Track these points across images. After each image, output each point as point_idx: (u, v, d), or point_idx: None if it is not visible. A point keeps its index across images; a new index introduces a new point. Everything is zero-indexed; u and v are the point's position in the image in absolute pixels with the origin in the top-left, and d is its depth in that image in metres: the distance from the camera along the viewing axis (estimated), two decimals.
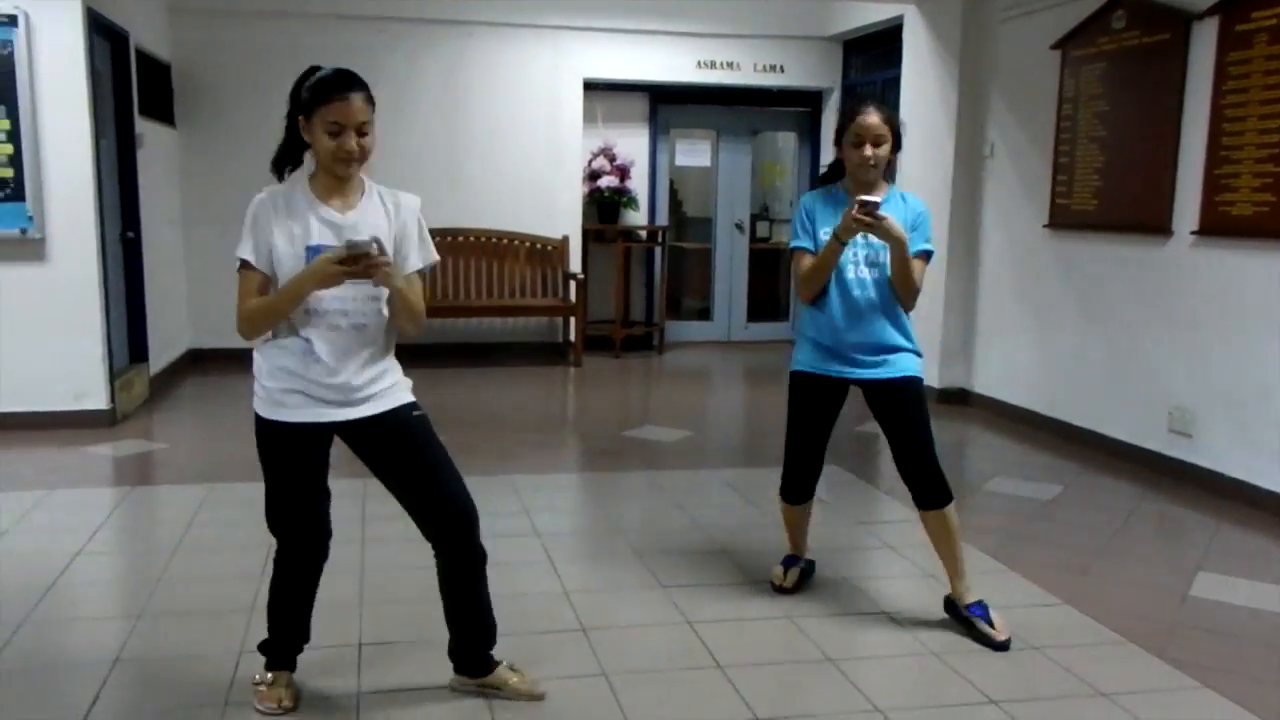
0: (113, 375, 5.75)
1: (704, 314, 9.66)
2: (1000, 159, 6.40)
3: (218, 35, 7.63)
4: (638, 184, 8.81)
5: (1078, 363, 5.72)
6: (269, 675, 2.68)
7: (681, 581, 3.53)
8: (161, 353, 6.89)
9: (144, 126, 6.63)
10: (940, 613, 3.24)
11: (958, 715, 2.68)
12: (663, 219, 9.15)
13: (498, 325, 8.41)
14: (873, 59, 8.37)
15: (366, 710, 2.64)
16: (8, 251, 5.43)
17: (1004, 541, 4.02)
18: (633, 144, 8.84)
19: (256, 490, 2.64)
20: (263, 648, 2.71)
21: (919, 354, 3.25)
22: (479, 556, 2.63)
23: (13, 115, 5.33)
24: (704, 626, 3.16)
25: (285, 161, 2.57)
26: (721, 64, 8.66)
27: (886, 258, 3.08)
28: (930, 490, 3.16)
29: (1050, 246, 5.95)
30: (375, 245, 2.32)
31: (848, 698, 2.75)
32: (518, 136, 8.23)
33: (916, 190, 6.48)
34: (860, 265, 3.13)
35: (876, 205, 2.91)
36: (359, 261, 2.30)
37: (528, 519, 4.18)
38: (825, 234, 3.11)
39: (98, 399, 5.65)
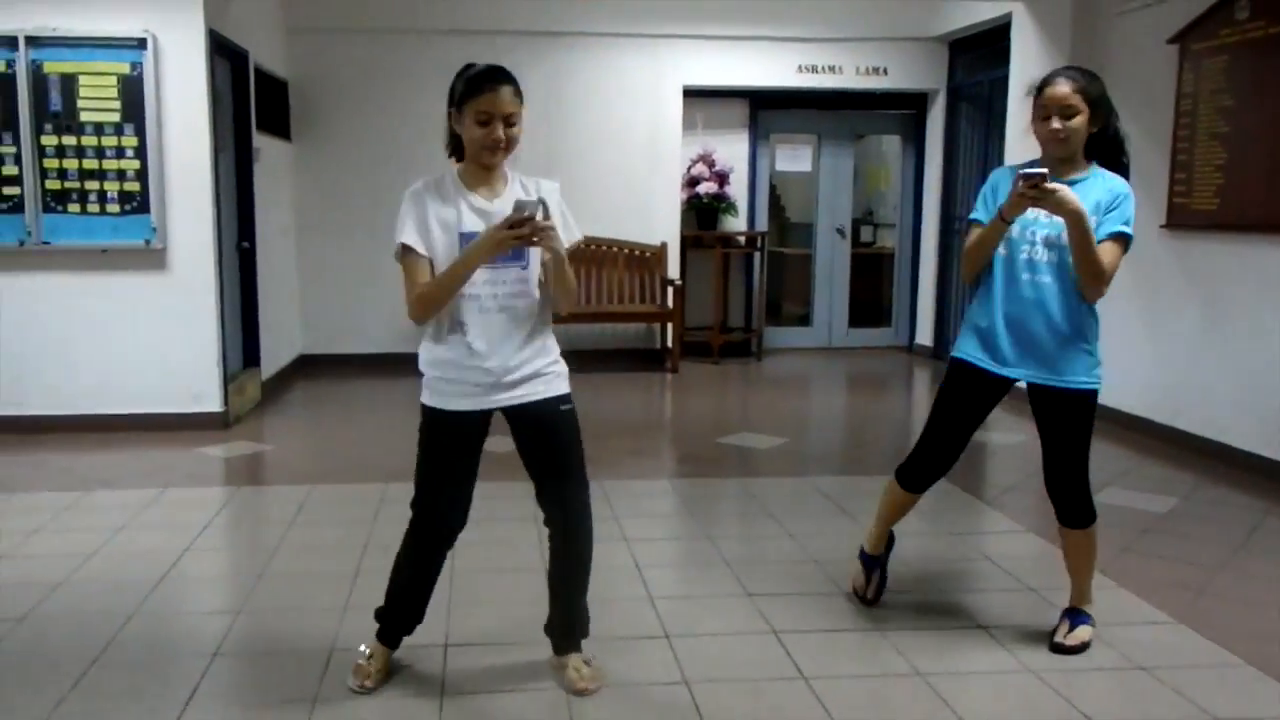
0: (227, 379, 5.98)
1: (804, 320, 9.54)
2: None
3: (332, 52, 7.93)
4: (737, 190, 8.76)
5: (1197, 368, 5.43)
6: (371, 647, 2.80)
7: (770, 590, 3.47)
8: (273, 358, 7.15)
9: (261, 141, 6.90)
10: (1041, 629, 3.11)
11: None
12: (762, 224, 9.07)
13: (596, 331, 8.46)
14: (980, 59, 8.14)
15: (449, 707, 2.66)
16: (132, 261, 5.71)
17: (1115, 556, 3.82)
18: (732, 150, 8.81)
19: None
20: (378, 615, 2.82)
21: (1096, 358, 2.95)
22: (582, 561, 2.76)
23: (140, 132, 5.61)
24: (790, 636, 3.10)
25: (455, 149, 2.69)
26: (823, 68, 8.55)
27: (1067, 240, 2.78)
28: (1074, 509, 3.01)
29: (1168, 247, 5.67)
30: (542, 208, 2.43)
31: (937, 714, 2.65)
32: (618, 144, 8.28)
33: None
34: (1036, 246, 2.84)
35: (1044, 176, 2.65)
36: (525, 224, 2.39)
37: (617, 525, 4.17)
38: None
39: (212, 402, 5.88)
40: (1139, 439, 5.72)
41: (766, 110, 8.96)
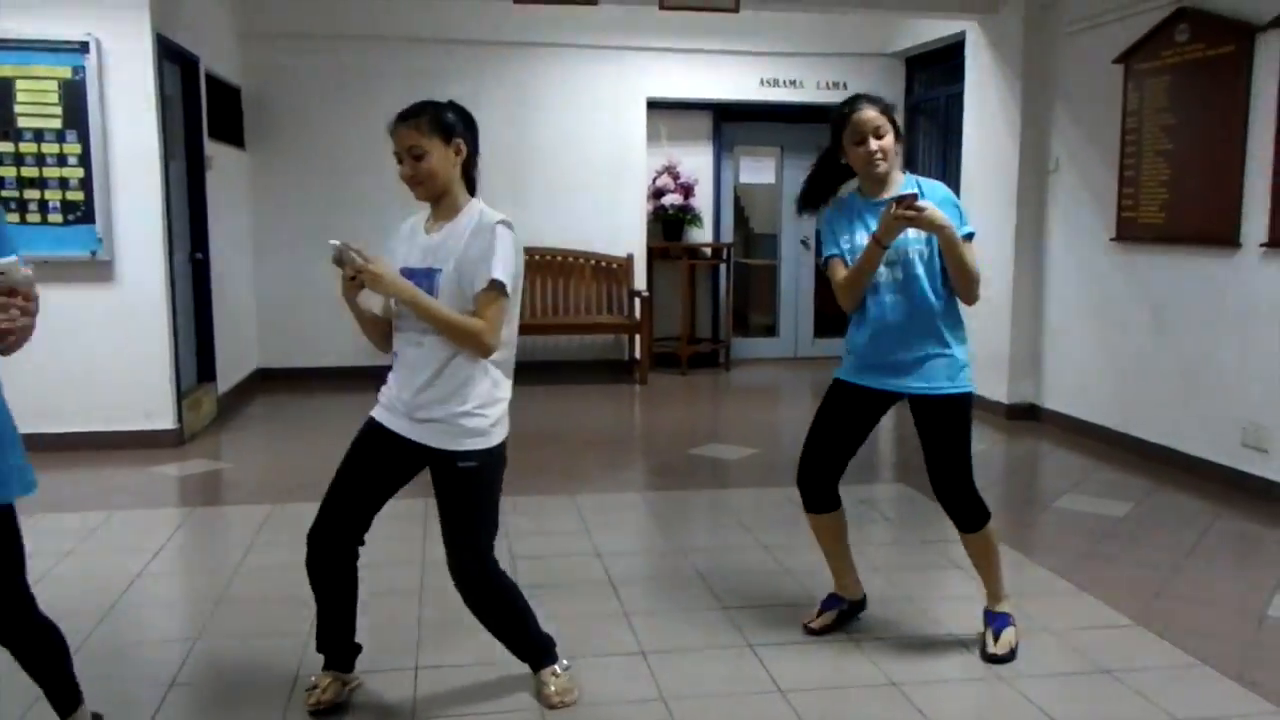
0: (180, 395, 5.83)
1: (770, 330, 9.65)
2: (1065, 173, 6.31)
3: (287, 59, 7.82)
4: (702, 202, 8.86)
5: (1148, 377, 5.60)
6: (316, 678, 2.79)
7: (743, 603, 3.54)
8: (230, 372, 7.01)
9: (213, 149, 6.77)
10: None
11: None
12: (728, 236, 9.17)
13: (563, 343, 8.50)
14: (936, 75, 8.32)
15: None
16: (78, 273, 5.51)
17: (1074, 561, 3.95)
18: (697, 162, 8.90)
19: (312, 512, 2.69)
20: (318, 643, 2.80)
21: (963, 362, 3.02)
22: (483, 615, 2.75)
23: (84, 139, 5.45)
24: (765, 649, 3.17)
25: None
26: (785, 82, 8.68)
27: (912, 255, 2.93)
28: (965, 512, 3.08)
29: (1118, 260, 5.84)
30: (348, 250, 2.49)
31: None
32: (582, 156, 8.34)
33: (981, 205, 6.49)
34: (880, 269, 2.94)
35: (915, 197, 2.78)
36: (344, 267, 2.49)
37: (589, 539, 4.22)
38: (845, 242, 3.00)
39: (165, 418, 5.72)
40: (1094, 445, 5.89)
41: (730, 123, 9.07)
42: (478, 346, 2.54)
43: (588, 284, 8.45)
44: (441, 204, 2.65)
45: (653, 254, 8.65)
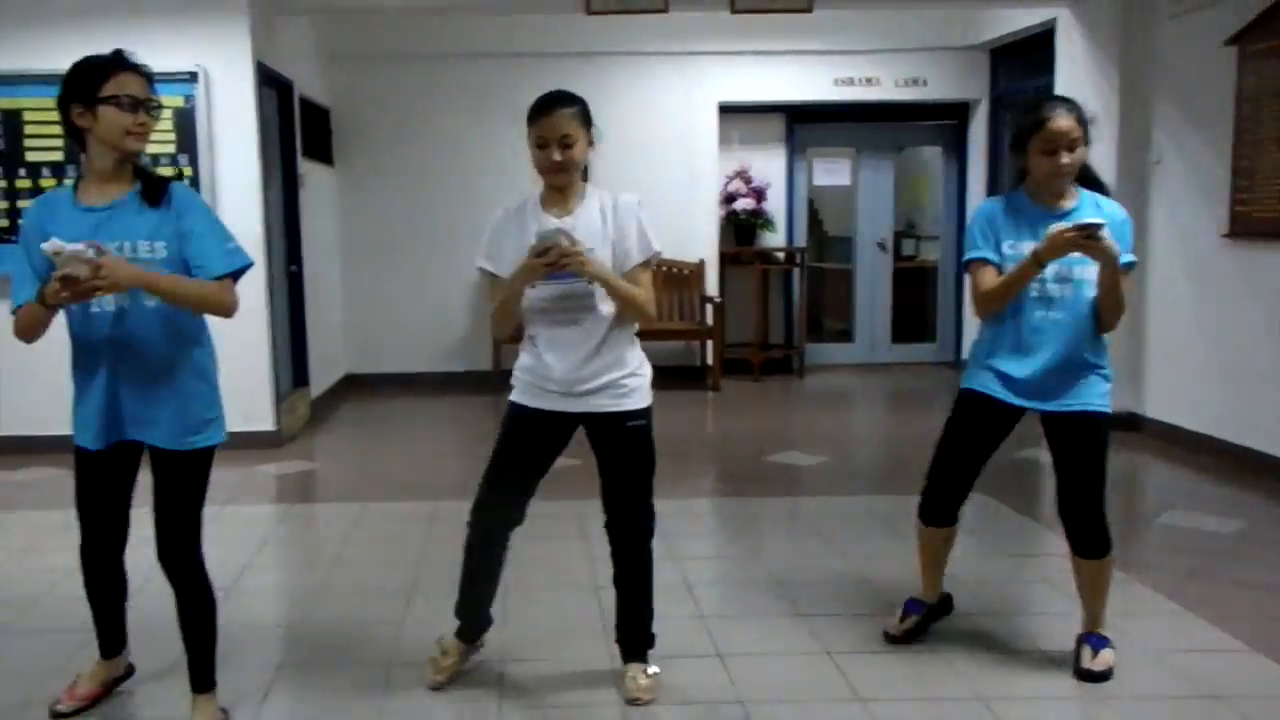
0: (278, 399, 6.08)
1: (845, 335, 9.44)
2: (1170, 166, 6.00)
3: (371, 79, 8.07)
4: (774, 205, 8.71)
5: (1265, 383, 5.24)
6: (446, 644, 2.92)
7: (821, 610, 3.41)
8: (321, 378, 7.26)
9: (306, 167, 7.03)
10: None
11: None
12: (801, 240, 9.01)
13: None
14: (1023, 67, 8.03)
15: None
16: None
17: (1179, 580, 3.70)
18: (769, 165, 8.76)
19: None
20: (455, 611, 2.92)
21: (1108, 381, 2.89)
22: (638, 572, 2.85)
23: (194, 161, 5.74)
24: (844, 657, 3.03)
25: None
26: (860, 80, 8.49)
27: (1081, 274, 2.77)
28: (1089, 539, 2.89)
29: (1231, 257, 5.51)
30: (563, 237, 2.50)
31: None
32: (653, 163, 8.25)
33: None
34: (1046, 282, 2.79)
35: (1098, 227, 2.61)
36: (549, 252, 2.48)
37: (664, 542, 4.08)
38: (1010, 247, 2.83)
39: (265, 421, 5.96)
40: (1201, 458, 5.55)
41: (803, 124, 8.91)
42: (646, 314, 2.73)
43: (659, 290, 8.34)
44: (569, 190, 2.73)
45: (724, 259, 8.53)
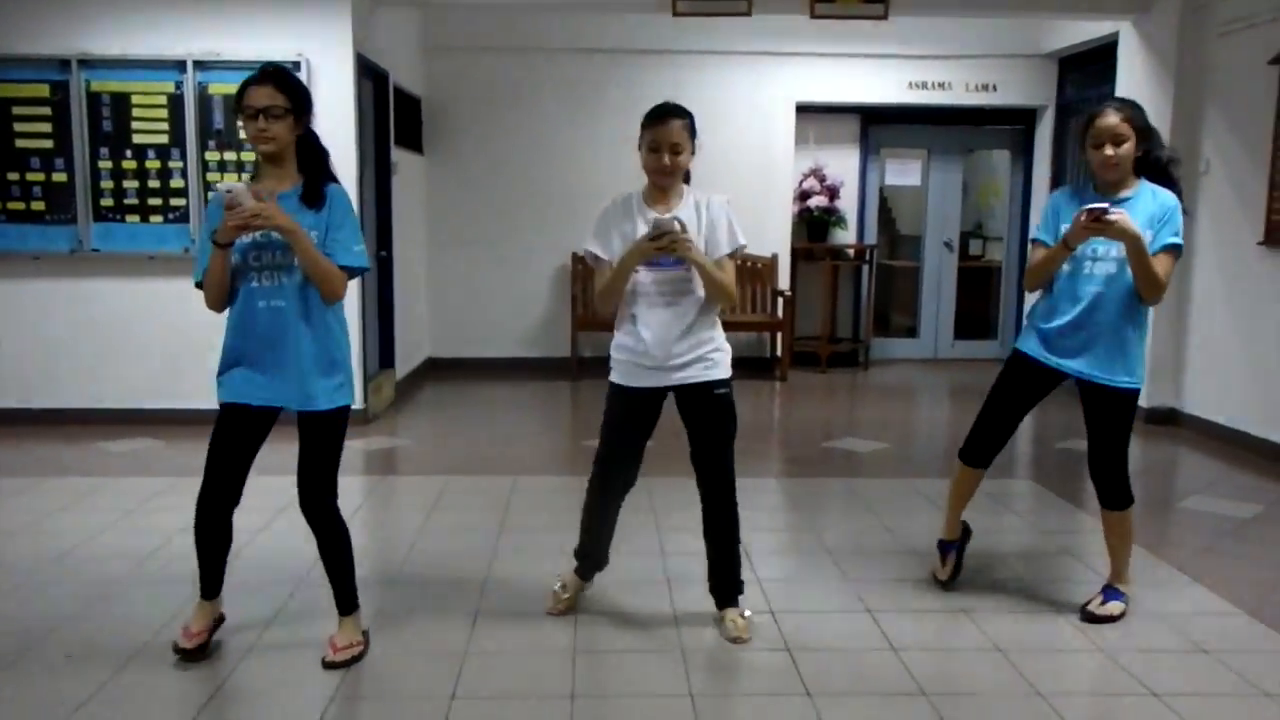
0: (367, 379, 6.48)
1: (911, 331, 9.76)
2: (1215, 175, 6.27)
3: (461, 70, 8.45)
4: (847, 203, 9.04)
5: None
6: (565, 579, 3.43)
7: (866, 576, 3.82)
8: (405, 360, 7.65)
9: (397, 155, 7.39)
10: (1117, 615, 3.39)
11: (1120, 703, 2.89)
12: (871, 237, 9.34)
13: None
14: (1088, 76, 8.27)
15: (580, 661, 3.10)
16: None
17: (1193, 556, 4.07)
18: (843, 164, 9.09)
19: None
20: (575, 553, 3.46)
21: (1141, 361, 3.30)
22: (726, 524, 3.32)
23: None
24: (883, 615, 3.45)
25: None
26: (933, 84, 8.78)
27: (1115, 252, 3.17)
28: (1112, 492, 3.37)
29: (1266, 264, 5.80)
30: (677, 224, 2.98)
31: (1014, 684, 2.97)
32: (730, 159, 8.59)
33: None
34: (1095, 261, 3.21)
35: (1104, 211, 3.00)
36: (664, 237, 2.94)
37: None
38: (1066, 229, 3.21)
39: (354, 400, 6.41)
40: (1232, 450, 5.87)
41: (877, 125, 9.23)
42: (729, 298, 3.16)
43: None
44: (671, 190, 3.18)
45: (797, 254, 8.90)
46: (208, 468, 3.01)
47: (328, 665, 3.02)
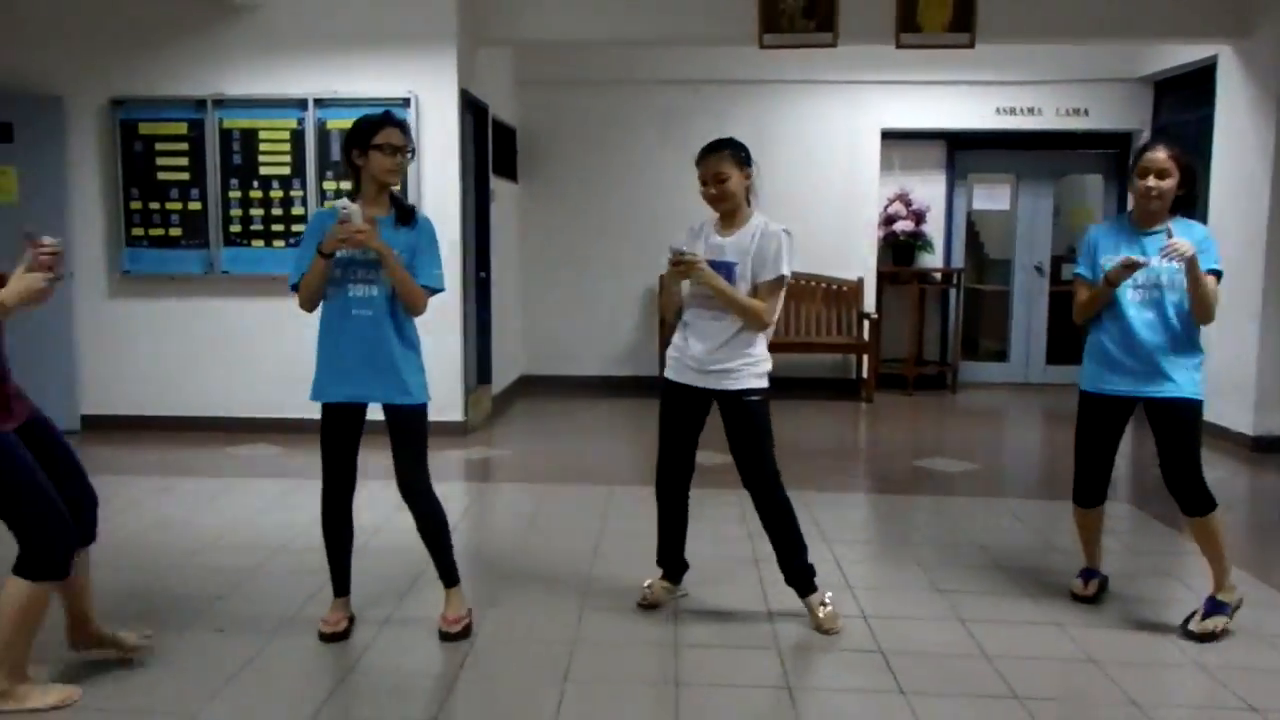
0: (466, 393, 6.81)
1: (1000, 355, 9.68)
2: None
3: (555, 102, 8.78)
4: (933, 227, 9.06)
5: None
6: (652, 580, 3.67)
7: (958, 588, 3.87)
8: (501, 376, 7.97)
9: (494, 183, 7.75)
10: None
11: (1218, 716, 2.90)
12: (958, 261, 9.32)
13: (794, 360, 8.88)
14: (1185, 99, 8.16)
15: (684, 653, 3.24)
16: None
17: None
18: (929, 189, 9.12)
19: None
20: (658, 560, 3.71)
21: (1199, 374, 3.42)
22: (778, 520, 3.46)
23: (403, 180, 6.49)
24: (975, 625, 3.49)
25: None
26: (1022, 110, 8.76)
27: (1166, 279, 3.35)
28: (1189, 499, 3.40)
29: None
30: (685, 252, 3.29)
31: (1107, 693, 3.00)
32: (817, 185, 8.73)
33: (1229, 236, 6.39)
34: (1139, 289, 3.40)
35: (1140, 265, 3.26)
36: (680, 264, 3.28)
37: (817, 527, 4.61)
38: (1107, 262, 3.40)
39: (455, 412, 6.67)
40: None
41: (964, 150, 9.23)
42: (759, 322, 3.36)
43: (819, 305, 8.83)
44: (733, 215, 3.41)
45: (882, 278, 8.93)
46: (324, 462, 3.35)
47: (444, 637, 3.33)
